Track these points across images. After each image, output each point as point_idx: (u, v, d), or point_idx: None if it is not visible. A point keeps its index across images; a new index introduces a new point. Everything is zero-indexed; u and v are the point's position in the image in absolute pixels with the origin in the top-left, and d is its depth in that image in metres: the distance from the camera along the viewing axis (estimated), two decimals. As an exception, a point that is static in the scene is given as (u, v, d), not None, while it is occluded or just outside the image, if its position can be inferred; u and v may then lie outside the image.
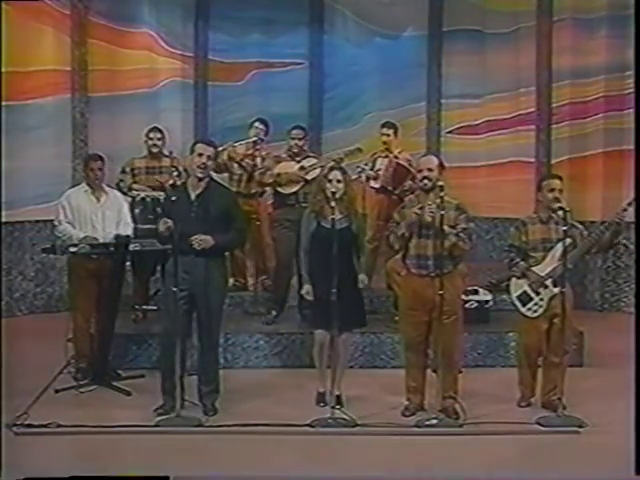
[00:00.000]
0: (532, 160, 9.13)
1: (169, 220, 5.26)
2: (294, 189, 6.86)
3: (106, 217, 6.20)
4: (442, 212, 5.22)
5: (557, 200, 5.49)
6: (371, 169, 7.55)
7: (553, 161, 9.04)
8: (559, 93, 8.98)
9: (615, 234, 5.50)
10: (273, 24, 9.69)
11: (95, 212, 6.20)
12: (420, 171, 5.44)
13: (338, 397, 5.67)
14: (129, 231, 6.22)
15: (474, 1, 9.51)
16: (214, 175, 5.88)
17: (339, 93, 9.87)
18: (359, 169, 7.52)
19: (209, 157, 5.38)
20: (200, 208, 5.37)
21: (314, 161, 6.94)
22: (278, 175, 6.90)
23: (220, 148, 7.19)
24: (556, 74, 8.98)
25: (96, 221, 6.17)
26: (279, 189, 6.93)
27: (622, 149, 8.59)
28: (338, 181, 5.50)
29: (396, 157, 7.58)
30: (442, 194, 5.26)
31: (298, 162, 6.92)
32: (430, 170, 5.38)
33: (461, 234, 5.34)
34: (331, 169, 5.69)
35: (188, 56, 9.52)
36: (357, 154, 7.23)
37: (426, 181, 5.36)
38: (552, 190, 5.53)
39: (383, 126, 7.74)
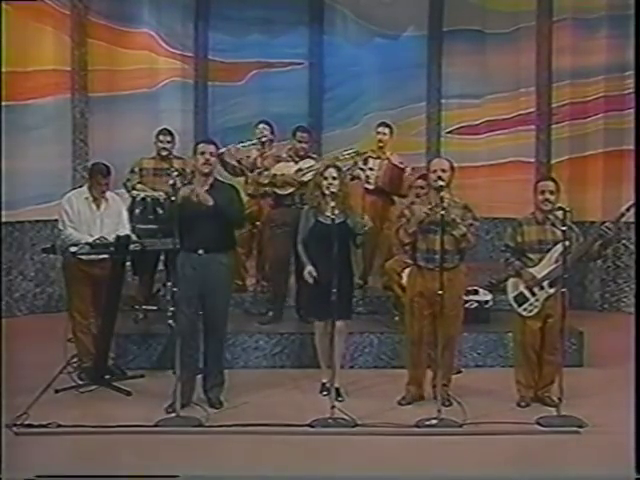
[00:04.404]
0: (532, 160, 9.13)
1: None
2: (289, 190, 6.84)
3: (104, 224, 6.19)
4: (442, 212, 5.37)
5: (547, 202, 5.61)
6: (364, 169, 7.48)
7: (553, 161, 9.04)
8: (559, 93, 8.98)
9: (604, 246, 5.61)
10: (273, 24, 9.71)
11: (94, 219, 6.19)
12: (434, 172, 5.62)
13: (337, 390, 5.72)
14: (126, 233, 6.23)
15: (474, 1, 9.52)
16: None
17: (339, 93, 9.88)
18: (353, 169, 7.24)
19: (211, 154, 5.58)
20: (208, 204, 5.47)
21: (311, 163, 6.88)
22: (274, 176, 6.88)
23: (223, 149, 7.26)
24: (556, 74, 8.98)
25: (94, 228, 6.15)
26: (276, 190, 6.92)
27: (622, 149, 8.59)
28: (334, 178, 5.73)
29: (388, 159, 7.58)
30: (442, 194, 5.42)
31: (296, 163, 6.91)
32: (443, 171, 5.60)
33: (470, 228, 5.58)
34: (327, 167, 5.87)
35: (188, 56, 9.53)
36: (356, 157, 7.22)
37: (440, 181, 5.55)
38: (542, 192, 5.64)
39: (379, 125, 7.73)
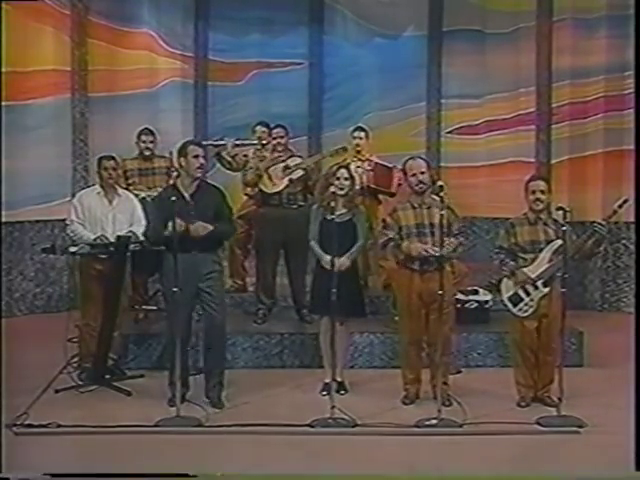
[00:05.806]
0: (532, 160, 9.11)
1: (182, 222, 5.38)
2: (278, 188, 6.86)
3: (117, 220, 6.19)
4: (442, 212, 5.39)
5: (538, 202, 5.60)
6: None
7: (553, 161, 9.03)
8: (559, 93, 8.97)
9: (597, 244, 5.61)
10: (273, 24, 9.70)
11: (106, 214, 6.19)
12: (413, 175, 5.63)
13: (341, 384, 5.91)
14: (140, 231, 6.19)
15: (474, 1, 9.50)
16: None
17: (339, 93, 9.87)
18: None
19: (204, 157, 5.59)
20: (195, 207, 5.51)
21: (298, 161, 6.97)
22: (259, 174, 6.90)
23: (221, 143, 7.31)
24: (556, 74, 8.97)
25: (106, 223, 6.15)
26: (263, 188, 6.92)
27: (622, 149, 8.58)
28: (345, 179, 5.88)
29: (368, 160, 7.58)
30: (442, 194, 5.40)
31: (283, 161, 6.93)
32: (422, 173, 5.62)
33: (462, 234, 5.68)
34: (339, 168, 6.00)
35: (188, 56, 9.52)
36: (342, 153, 7.24)
37: (422, 185, 5.60)
38: (533, 192, 5.63)
39: (355, 130, 7.70)
